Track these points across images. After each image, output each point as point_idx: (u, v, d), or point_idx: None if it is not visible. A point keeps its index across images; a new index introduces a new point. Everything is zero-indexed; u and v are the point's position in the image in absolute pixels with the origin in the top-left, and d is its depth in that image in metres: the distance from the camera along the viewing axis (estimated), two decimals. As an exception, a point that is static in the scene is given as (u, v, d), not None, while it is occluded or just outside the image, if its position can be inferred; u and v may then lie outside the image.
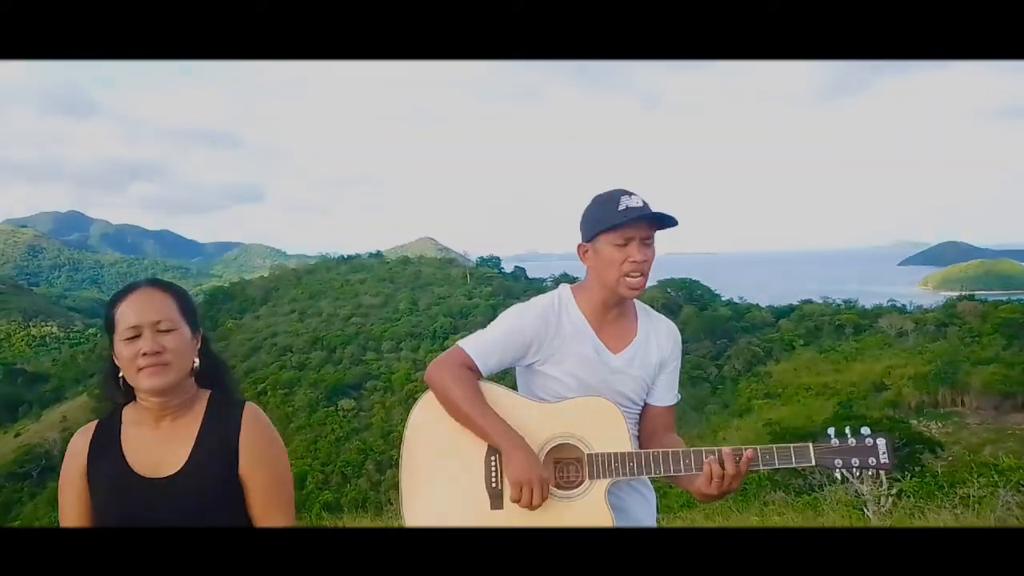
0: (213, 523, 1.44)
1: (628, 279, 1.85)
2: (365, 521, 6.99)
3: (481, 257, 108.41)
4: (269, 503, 1.50)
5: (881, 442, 1.74)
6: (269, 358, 72.13)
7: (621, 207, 1.83)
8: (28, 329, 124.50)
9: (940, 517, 4.61)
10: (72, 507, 1.48)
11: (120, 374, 1.50)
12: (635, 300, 2.01)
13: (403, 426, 1.95)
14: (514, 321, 1.93)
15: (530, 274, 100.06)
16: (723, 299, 78.41)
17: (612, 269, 1.86)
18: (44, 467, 59.64)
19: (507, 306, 2.02)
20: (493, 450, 1.84)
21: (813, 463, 1.75)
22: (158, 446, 1.49)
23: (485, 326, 1.97)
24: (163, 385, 1.45)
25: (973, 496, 5.46)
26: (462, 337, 1.97)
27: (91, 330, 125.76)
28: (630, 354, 1.95)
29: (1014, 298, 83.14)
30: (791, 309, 74.96)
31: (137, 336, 1.45)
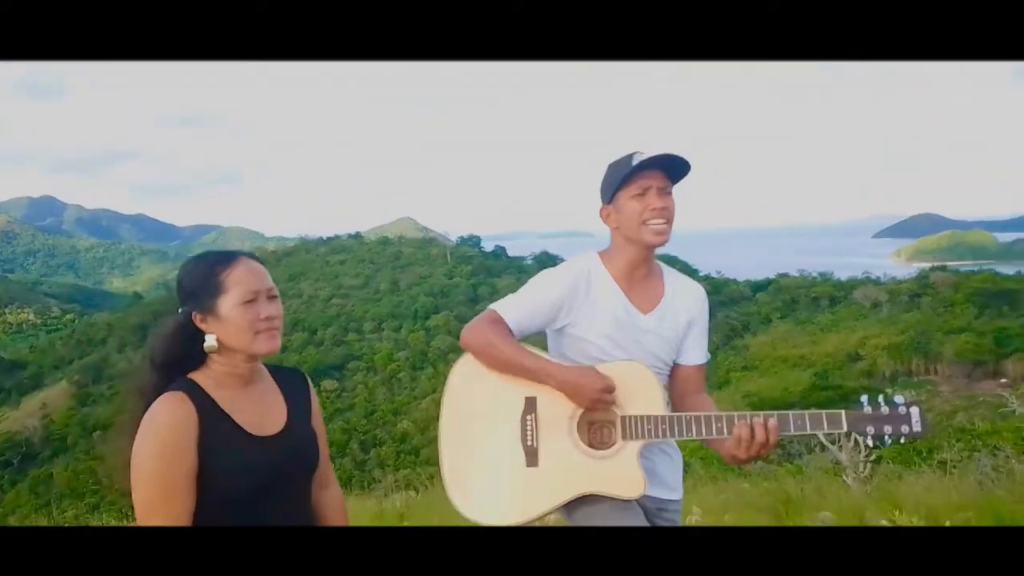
0: (309, 471, 1.61)
1: (652, 225, 1.89)
2: (351, 500, 7.01)
3: (461, 236, 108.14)
4: (325, 450, 1.71)
5: (915, 411, 1.74)
6: (249, 341, 71.63)
7: (635, 161, 1.87)
8: (4, 316, 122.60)
9: (921, 480, 4.70)
10: (188, 476, 1.40)
11: (212, 339, 1.48)
12: (659, 262, 2.05)
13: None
14: (545, 285, 1.96)
15: (510, 253, 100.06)
16: (701, 274, 78.98)
17: (634, 220, 1.90)
18: (25, 455, 59.07)
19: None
20: (529, 409, 1.87)
21: (845, 429, 1.76)
22: (255, 407, 1.54)
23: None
24: (278, 348, 1.53)
25: (950, 461, 5.57)
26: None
27: (68, 316, 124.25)
28: (659, 314, 1.98)
29: (985, 268, 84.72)
30: (768, 282, 75.84)
31: (254, 301, 1.48)
